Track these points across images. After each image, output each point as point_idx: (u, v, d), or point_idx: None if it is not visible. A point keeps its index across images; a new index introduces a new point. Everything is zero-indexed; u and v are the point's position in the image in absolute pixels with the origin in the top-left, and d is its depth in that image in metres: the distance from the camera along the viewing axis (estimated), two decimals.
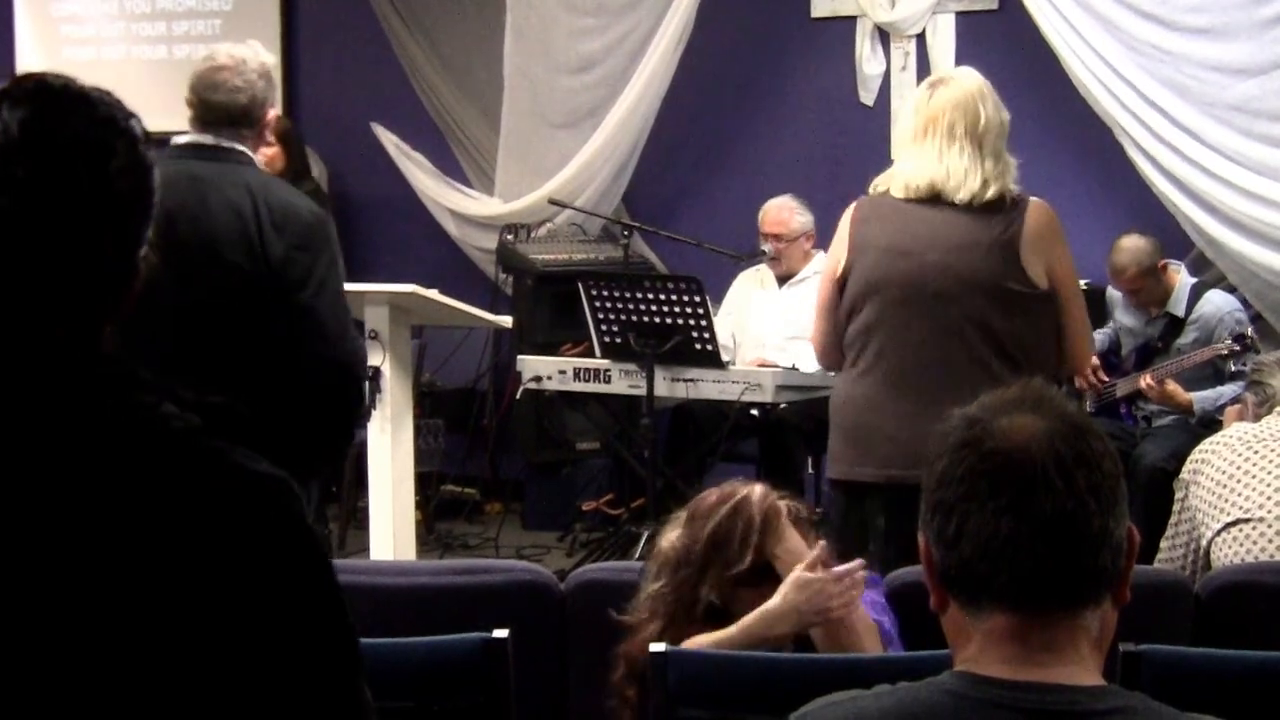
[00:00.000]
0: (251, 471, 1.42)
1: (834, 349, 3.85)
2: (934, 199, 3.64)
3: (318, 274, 3.70)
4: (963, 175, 3.61)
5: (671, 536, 2.83)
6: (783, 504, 2.80)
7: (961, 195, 3.62)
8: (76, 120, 1.45)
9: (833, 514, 3.94)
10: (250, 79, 3.79)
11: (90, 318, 1.45)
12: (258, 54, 3.87)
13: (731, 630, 2.68)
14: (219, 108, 3.75)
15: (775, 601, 2.68)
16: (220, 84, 3.76)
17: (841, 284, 3.77)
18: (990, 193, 3.62)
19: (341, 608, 1.45)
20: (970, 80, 3.71)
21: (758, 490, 2.81)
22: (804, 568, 2.69)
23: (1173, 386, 5.64)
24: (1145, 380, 5.68)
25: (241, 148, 3.77)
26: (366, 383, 4.01)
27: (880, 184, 3.76)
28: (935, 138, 3.63)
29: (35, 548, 1.35)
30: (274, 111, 3.87)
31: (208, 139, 3.75)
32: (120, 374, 1.42)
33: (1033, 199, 3.70)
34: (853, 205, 3.81)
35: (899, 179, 3.69)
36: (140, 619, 1.35)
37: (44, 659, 1.34)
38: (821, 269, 3.87)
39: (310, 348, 3.67)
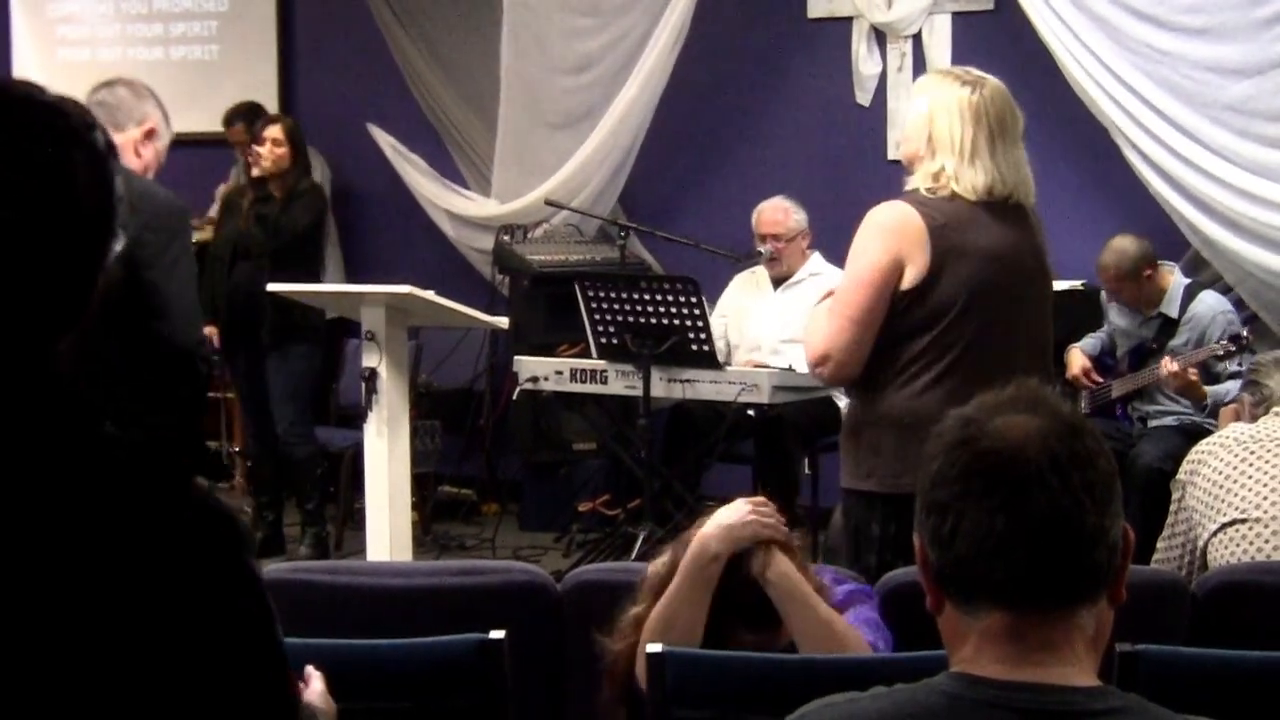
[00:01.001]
0: (198, 504, 1.40)
1: (860, 361, 3.49)
2: (1003, 202, 3.49)
3: (169, 256, 3.89)
4: (1029, 178, 3.54)
5: (658, 562, 2.83)
6: None
7: (1033, 198, 3.55)
8: (35, 136, 1.39)
9: (860, 527, 3.61)
10: (127, 90, 4.25)
11: (44, 334, 1.40)
12: (143, 83, 4.39)
13: (674, 585, 2.70)
14: (100, 91, 4.17)
15: (707, 525, 2.73)
16: (99, 85, 4.25)
17: (910, 294, 3.44)
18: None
19: (277, 647, 1.44)
20: (996, 79, 3.59)
21: None
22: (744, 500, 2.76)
23: (1195, 375, 5.61)
24: (1169, 366, 5.62)
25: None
26: (204, 376, 4.22)
27: (929, 185, 3.48)
28: (1010, 141, 3.49)
29: None
30: (150, 125, 4.23)
31: None
32: (70, 397, 1.39)
33: None
34: (896, 207, 3.47)
35: (974, 180, 3.45)
36: (76, 648, 1.33)
37: None
38: (860, 272, 3.49)
39: (154, 326, 3.82)
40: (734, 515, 2.72)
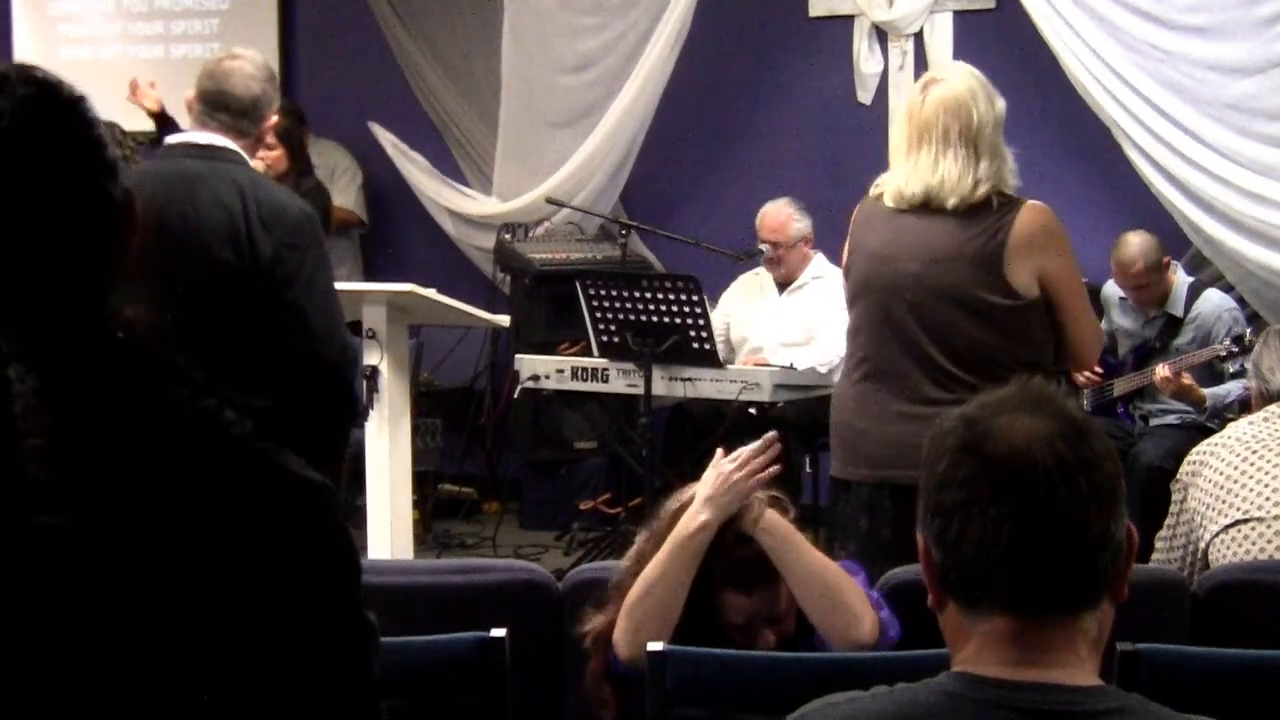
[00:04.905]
0: (303, 478, 1.42)
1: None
2: (924, 207, 3.63)
3: (306, 271, 3.72)
4: (956, 180, 3.58)
5: (639, 539, 2.87)
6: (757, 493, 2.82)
7: (953, 201, 3.58)
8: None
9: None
10: (260, 78, 3.85)
11: (95, 279, 1.39)
12: (266, 59, 3.95)
13: (660, 553, 2.73)
14: (228, 95, 3.79)
15: (693, 504, 2.76)
16: (232, 72, 3.82)
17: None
18: (980, 193, 3.57)
19: (366, 622, 1.45)
20: (961, 79, 3.65)
21: None
22: (711, 466, 2.78)
23: (1189, 380, 5.61)
24: (1162, 373, 5.62)
25: (234, 147, 3.78)
26: (359, 382, 4.02)
27: (878, 187, 3.75)
28: (930, 145, 3.59)
29: (90, 548, 1.33)
30: (274, 118, 3.91)
31: (201, 138, 3.76)
32: (180, 377, 1.40)
33: (1029, 202, 3.63)
34: (860, 205, 3.83)
35: (892, 187, 3.68)
36: (177, 614, 1.34)
37: (74, 653, 1.32)
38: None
39: (298, 345, 3.68)
40: (716, 485, 2.74)
